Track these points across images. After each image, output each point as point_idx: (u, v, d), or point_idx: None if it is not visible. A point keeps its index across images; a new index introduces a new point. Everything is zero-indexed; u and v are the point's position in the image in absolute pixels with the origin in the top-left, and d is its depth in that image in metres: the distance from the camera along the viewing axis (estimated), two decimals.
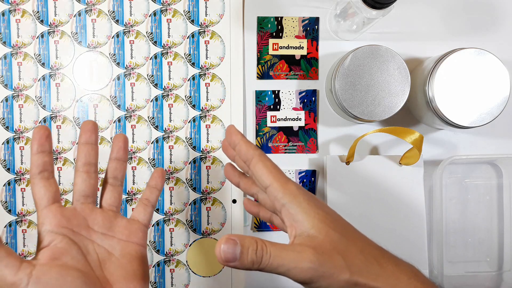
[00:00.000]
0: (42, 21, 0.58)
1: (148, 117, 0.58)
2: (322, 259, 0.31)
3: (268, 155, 0.59)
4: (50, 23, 0.58)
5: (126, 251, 0.37)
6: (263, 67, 0.59)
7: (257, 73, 0.59)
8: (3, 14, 0.57)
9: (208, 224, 0.59)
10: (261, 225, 0.59)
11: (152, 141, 0.59)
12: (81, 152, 0.39)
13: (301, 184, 0.59)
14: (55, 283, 0.31)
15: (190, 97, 0.59)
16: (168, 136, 0.59)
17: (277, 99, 0.59)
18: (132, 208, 0.58)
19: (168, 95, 0.58)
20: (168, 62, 0.58)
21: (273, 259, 0.30)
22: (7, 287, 0.30)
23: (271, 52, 0.59)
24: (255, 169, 0.35)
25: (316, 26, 0.59)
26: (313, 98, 0.59)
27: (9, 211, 0.58)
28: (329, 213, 0.34)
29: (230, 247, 0.30)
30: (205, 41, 0.58)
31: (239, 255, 0.30)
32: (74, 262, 0.34)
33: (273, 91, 0.59)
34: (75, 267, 0.33)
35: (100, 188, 0.41)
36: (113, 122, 0.58)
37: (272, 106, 0.59)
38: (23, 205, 0.58)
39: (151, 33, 0.58)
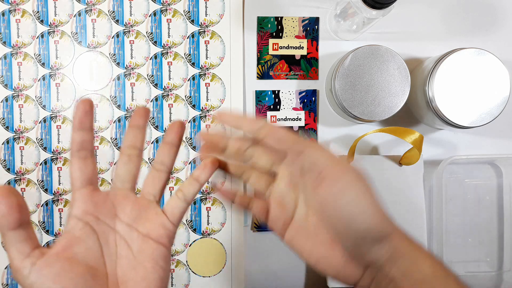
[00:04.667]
0: (42, 21, 0.58)
1: None
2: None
3: None
4: (50, 23, 0.58)
5: (142, 247, 0.34)
6: (263, 67, 0.59)
7: (257, 73, 0.59)
8: (3, 14, 0.57)
9: (208, 224, 0.59)
10: (261, 225, 0.59)
11: (152, 141, 0.59)
12: (127, 135, 0.36)
13: None
14: (54, 277, 0.30)
15: (190, 97, 0.59)
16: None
17: (277, 99, 0.59)
18: None
19: (168, 95, 0.58)
20: (168, 62, 0.58)
21: None
22: (14, 270, 0.30)
23: (271, 52, 0.59)
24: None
25: (316, 26, 0.59)
26: (313, 98, 0.59)
27: None
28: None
29: None
30: (205, 41, 0.58)
31: None
32: (86, 254, 0.32)
33: (273, 91, 0.59)
34: (84, 262, 0.32)
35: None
36: (113, 122, 0.58)
37: (272, 106, 0.59)
38: None
39: (151, 33, 0.58)
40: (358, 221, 0.31)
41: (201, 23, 0.58)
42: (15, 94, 0.58)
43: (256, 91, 0.59)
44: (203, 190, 0.59)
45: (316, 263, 0.34)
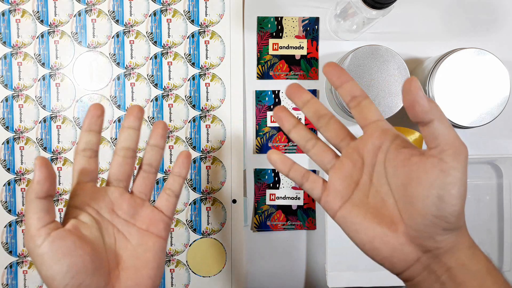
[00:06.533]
0: (42, 21, 0.58)
1: (148, 117, 0.58)
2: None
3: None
4: (50, 23, 0.58)
5: (143, 240, 0.37)
6: (263, 67, 0.59)
7: (257, 73, 0.59)
8: (3, 14, 0.57)
9: (208, 224, 0.59)
10: (261, 225, 0.59)
11: None
12: (121, 135, 0.39)
13: None
14: (65, 251, 0.32)
15: (190, 97, 0.59)
16: (168, 136, 0.59)
17: (277, 99, 0.59)
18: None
19: (168, 95, 0.58)
20: (168, 62, 0.58)
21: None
22: (29, 237, 0.32)
23: (271, 52, 0.59)
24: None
25: (316, 26, 0.59)
26: None
27: (9, 211, 0.58)
28: None
29: None
30: (205, 41, 0.58)
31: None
32: (92, 238, 0.34)
33: (273, 91, 0.59)
34: (91, 243, 0.34)
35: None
36: (113, 122, 0.58)
37: (272, 106, 0.59)
38: (23, 205, 0.58)
39: (151, 33, 0.58)
40: (449, 203, 0.30)
41: (201, 23, 0.58)
42: (15, 94, 0.58)
43: (256, 91, 0.59)
44: (203, 190, 0.59)
45: (371, 240, 0.34)
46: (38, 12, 0.58)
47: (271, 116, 0.59)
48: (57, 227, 0.32)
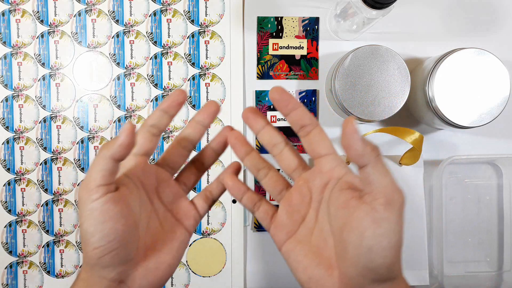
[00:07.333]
0: (42, 21, 0.58)
1: None
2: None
3: (268, 154, 0.59)
4: (50, 23, 0.58)
5: (173, 229, 0.37)
6: (263, 67, 0.59)
7: (257, 73, 0.59)
8: (3, 14, 0.57)
9: (208, 224, 0.59)
10: (261, 225, 0.59)
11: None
12: (188, 127, 0.39)
13: None
14: (112, 215, 0.32)
15: (190, 97, 0.59)
16: (168, 136, 0.59)
17: None
18: None
19: (168, 95, 0.58)
20: (168, 62, 0.58)
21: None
22: (87, 189, 0.31)
23: (271, 52, 0.59)
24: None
25: (316, 26, 0.59)
26: (313, 98, 0.59)
27: (9, 211, 0.58)
28: None
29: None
30: (205, 41, 0.58)
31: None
32: (134, 211, 0.34)
33: None
34: (133, 216, 0.34)
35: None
36: (113, 122, 0.58)
37: (272, 106, 0.59)
38: (23, 205, 0.58)
39: (151, 33, 0.58)
40: (378, 254, 0.29)
41: (201, 23, 0.58)
42: (15, 94, 0.58)
43: (256, 91, 0.59)
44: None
45: (308, 281, 0.33)
46: (38, 12, 0.58)
47: (271, 116, 0.59)
48: (113, 190, 0.32)
